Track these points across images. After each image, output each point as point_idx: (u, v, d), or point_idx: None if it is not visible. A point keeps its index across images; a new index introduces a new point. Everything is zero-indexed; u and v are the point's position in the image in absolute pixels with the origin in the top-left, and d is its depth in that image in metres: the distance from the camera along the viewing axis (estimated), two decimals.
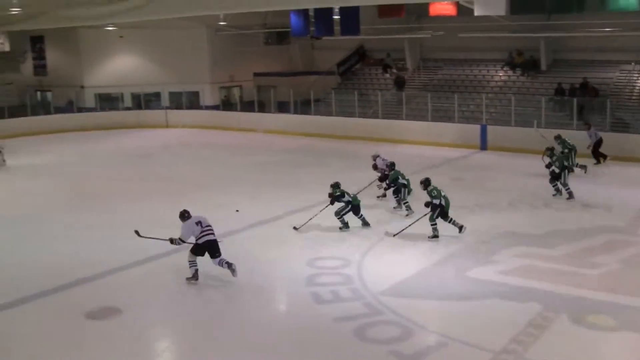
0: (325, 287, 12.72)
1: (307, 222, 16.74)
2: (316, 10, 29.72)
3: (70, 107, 38.28)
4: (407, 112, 31.32)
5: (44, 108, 39.68)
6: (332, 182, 16.85)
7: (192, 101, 38.85)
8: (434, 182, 16.04)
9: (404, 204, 18.16)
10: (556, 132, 23.04)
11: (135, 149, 30.54)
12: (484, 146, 27.47)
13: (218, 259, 13.23)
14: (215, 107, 38.16)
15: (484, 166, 24.48)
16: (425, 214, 15.92)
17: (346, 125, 31.66)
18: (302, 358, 10.25)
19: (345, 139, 30.26)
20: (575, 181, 20.25)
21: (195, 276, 13.28)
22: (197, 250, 13.29)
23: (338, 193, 16.53)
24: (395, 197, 18.59)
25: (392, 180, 18.29)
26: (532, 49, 31.97)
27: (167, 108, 38.37)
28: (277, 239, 16.03)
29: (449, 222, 15.86)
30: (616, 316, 11.16)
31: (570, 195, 19.20)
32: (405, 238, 15.70)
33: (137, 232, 13.83)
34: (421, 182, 16.10)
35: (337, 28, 30.51)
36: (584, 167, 22.50)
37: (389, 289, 12.50)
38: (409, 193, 18.37)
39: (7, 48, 39.64)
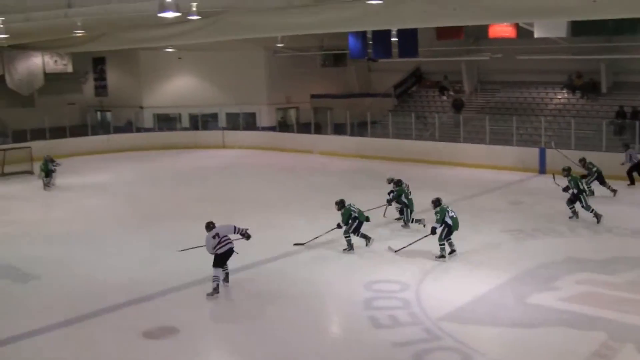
0: (383, 311, 12.60)
1: (312, 240, 17.01)
2: (374, 33, 29.75)
3: (129, 127, 38.86)
4: (464, 135, 31.04)
5: (103, 128, 40.37)
6: (337, 200, 16.99)
7: (248, 122, 39.10)
8: (491, 206, 15.92)
9: (410, 222, 18.48)
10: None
11: (192, 170, 30.80)
12: (542, 170, 27.04)
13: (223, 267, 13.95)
14: (271, 129, 38.35)
15: (543, 190, 24.03)
16: (427, 235, 16.14)
17: (403, 148, 31.49)
18: None
19: (402, 162, 30.06)
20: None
21: (216, 290, 13.66)
22: (218, 262, 13.83)
23: (354, 215, 16.58)
24: (400, 217, 18.88)
25: (396, 197, 18.58)
26: (592, 71, 31.44)
27: (224, 129, 38.70)
28: (334, 261, 15.98)
29: (448, 241, 15.85)
30: None
31: (598, 218, 18.76)
32: (463, 262, 15.52)
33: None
34: (432, 202, 16.15)
35: (394, 50, 30.47)
36: (614, 190, 22.19)
37: (448, 314, 12.32)
38: (411, 213, 18.59)
39: (70, 69, 40.56)
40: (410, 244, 16.43)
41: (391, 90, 38.07)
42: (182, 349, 11.40)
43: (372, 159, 31.49)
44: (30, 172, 28.81)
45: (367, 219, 16.99)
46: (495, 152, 29.00)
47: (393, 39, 30.08)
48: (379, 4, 17.71)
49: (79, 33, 22.95)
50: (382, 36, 29.72)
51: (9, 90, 38.44)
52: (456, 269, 15.10)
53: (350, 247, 16.61)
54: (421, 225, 18.21)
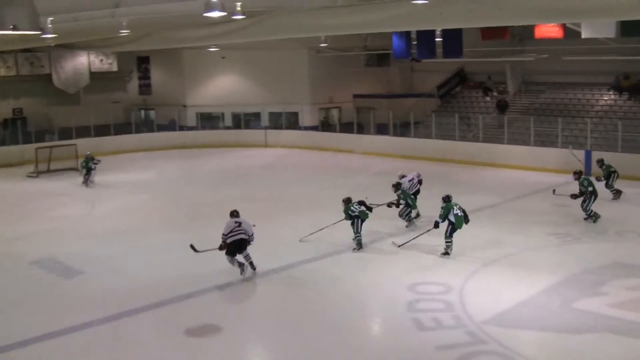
0: (426, 313, 12.50)
1: (315, 232, 17.46)
2: (418, 33, 29.57)
3: (172, 125, 39.15)
4: (508, 136, 30.70)
5: (147, 126, 40.75)
6: (344, 197, 17.13)
7: (291, 122, 39.15)
8: (536, 208, 15.88)
9: (406, 218, 18.76)
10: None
11: (234, 169, 30.92)
12: (588, 172, 26.59)
13: (245, 254, 14.65)
14: (314, 128, 38.33)
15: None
16: (429, 229, 16.45)
17: (446, 149, 31.26)
18: None
19: (445, 163, 29.87)
20: None
21: (242, 269, 14.59)
22: (229, 251, 14.53)
23: (355, 213, 16.67)
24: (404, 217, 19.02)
25: (397, 201, 18.62)
26: None
27: (266, 128, 38.78)
28: (378, 262, 15.93)
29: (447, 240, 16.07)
30: None
31: (589, 218, 19.01)
32: (507, 264, 15.38)
33: (192, 247, 14.86)
34: (442, 198, 16.30)
35: (439, 50, 30.26)
36: (619, 192, 22.22)
37: (492, 317, 12.17)
38: (409, 212, 18.83)
39: (115, 68, 41.07)
40: (413, 238, 16.86)
41: (434, 91, 37.79)
42: (224, 348, 11.44)
43: (414, 159, 31.26)
44: (76, 169, 29.14)
45: (370, 210, 17.18)
46: (539, 154, 28.64)
47: (437, 39, 29.87)
48: (424, 3, 17.56)
49: (124, 33, 23.09)
50: (426, 36, 29.51)
51: (55, 89, 39.04)
52: (500, 272, 14.94)
53: (359, 246, 16.76)
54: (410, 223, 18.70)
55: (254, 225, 14.88)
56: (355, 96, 39.79)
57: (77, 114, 36.33)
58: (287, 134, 37.84)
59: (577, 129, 30.06)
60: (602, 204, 20.38)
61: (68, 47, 36.58)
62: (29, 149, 31.65)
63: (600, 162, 22.62)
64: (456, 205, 16.16)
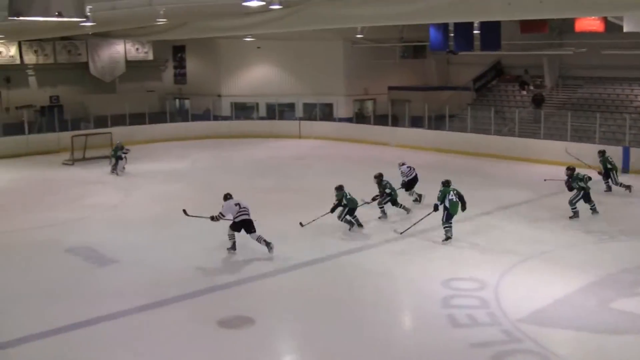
0: (461, 309, 12.36)
1: (317, 219, 17.80)
2: (456, 25, 29.26)
3: (207, 115, 39.24)
4: (544, 131, 30.31)
5: (181, 115, 40.91)
6: (337, 185, 17.86)
7: (325, 113, 39.04)
8: None
9: (380, 207, 19.08)
10: None
11: (267, 159, 30.87)
12: (625, 169, 26.20)
13: (256, 236, 15.64)
14: (348, 120, 38.17)
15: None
16: (430, 213, 16.83)
17: (481, 143, 30.93)
18: None
19: (480, 157, 29.59)
20: None
21: (233, 247, 15.89)
22: (235, 226, 15.75)
23: (345, 201, 17.51)
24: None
25: (382, 192, 19.14)
26: None
27: (300, 119, 38.73)
28: (410, 257, 15.77)
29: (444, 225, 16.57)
30: None
31: (575, 215, 18.84)
32: (543, 262, 15.18)
33: (185, 211, 16.36)
34: (442, 182, 16.91)
35: (476, 43, 29.93)
36: (628, 186, 22.21)
37: (527, 315, 11.98)
38: (388, 201, 19.13)
39: (150, 57, 41.35)
40: (414, 224, 17.31)
41: (470, 84, 37.51)
42: (257, 340, 11.40)
43: (449, 153, 31.06)
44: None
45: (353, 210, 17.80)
46: (576, 149, 28.12)
47: (475, 32, 29.52)
48: None
49: (161, 22, 23.16)
50: (464, 28, 29.14)
51: (92, 77, 39.39)
52: (536, 270, 14.72)
53: (350, 224, 17.71)
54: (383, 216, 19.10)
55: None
56: (390, 88, 39.59)
57: (113, 103, 36.60)
58: (320, 126, 37.71)
59: (615, 124, 29.63)
60: (638, 202, 20.12)
61: (105, 35, 36.83)
62: (65, 136, 31.90)
63: (602, 153, 22.69)
64: (453, 190, 16.61)
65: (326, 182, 19.56)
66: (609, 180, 22.41)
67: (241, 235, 15.91)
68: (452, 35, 30.41)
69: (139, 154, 30.67)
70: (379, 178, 19.26)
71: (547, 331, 11.42)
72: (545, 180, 20.90)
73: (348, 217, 17.72)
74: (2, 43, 34.36)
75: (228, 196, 16.14)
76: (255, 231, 15.70)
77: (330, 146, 34.56)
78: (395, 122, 35.84)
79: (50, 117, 35.24)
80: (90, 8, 15.92)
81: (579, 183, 18.86)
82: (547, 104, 33.58)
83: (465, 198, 16.89)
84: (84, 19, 7.40)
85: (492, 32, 28.40)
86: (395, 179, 20.22)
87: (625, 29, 21.81)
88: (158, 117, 38.34)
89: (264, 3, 14.50)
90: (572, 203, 18.99)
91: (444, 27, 30.26)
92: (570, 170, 19.35)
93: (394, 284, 14.07)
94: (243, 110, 40.42)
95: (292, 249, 16.42)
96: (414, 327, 12.42)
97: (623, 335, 11.28)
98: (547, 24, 29.27)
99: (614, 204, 21.19)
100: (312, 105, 38.87)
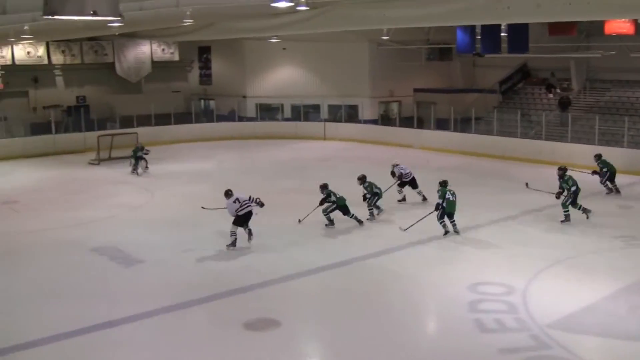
0: (488, 314, 12.23)
1: (308, 215, 18.40)
2: (483, 27, 29.09)
3: (232, 115, 39.30)
4: (572, 135, 30.00)
5: (207, 116, 41.02)
6: (321, 183, 18.59)
7: (350, 115, 38.94)
8: (600, 210, 15.91)
9: (369, 209, 19.18)
10: None
11: (292, 160, 30.84)
12: None
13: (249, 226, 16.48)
14: (373, 122, 38.02)
15: None
16: (431, 212, 17.44)
17: (507, 146, 30.70)
18: None
19: (506, 160, 29.37)
20: None
21: (234, 244, 16.35)
22: (238, 221, 16.40)
23: (326, 196, 18.21)
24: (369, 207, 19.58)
25: (365, 194, 19.34)
26: None
27: (325, 120, 38.65)
28: (436, 260, 15.69)
29: (451, 223, 17.31)
30: None
31: (566, 219, 18.66)
32: (571, 267, 14.99)
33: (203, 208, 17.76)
34: (439, 182, 17.66)
35: (503, 45, 29.73)
36: (617, 191, 22.51)
37: (556, 321, 11.82)
38: (377, 200, 19.42)
39: (176, 57, 41.52)
40: (417, 222, 17.56)
41: (495, 86, 37.24)
42: (282, 342, 11.35)
43: (474, 155, 30.85)
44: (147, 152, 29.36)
45: (345, 208, 18.41)
46: (604, 153, 27.83)
47: (502, 34, 29.34)
48: None
49: (188, 22, 23.19)
50: (491, 30, 28.97)
51: (118, 77, 39.59)
52: (563, 274, 14.55)
53: (330, 222, 18.31)
54: (371, 217, 19.20)
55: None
56: (416, 90, 39.38)
57: (139, 103, 36.79)
58: (346, 127, 37.61)
59: None
60: None
61: (131, 36, 37.01)
62: (91, 136, 32.10)
63: (598, 157, 22.77)
64: (450, 190, 17.26)
65: (351, 184, 19.58)
66: (604, 182, 22.54)
67: (264, 240, 15.91)
68: (479, 37, 30.25)
69: (164, 155, 30.82)
70: (362, 179, 19.52)
71: (577, 338, 11.28)
72: (527, 186, 20.64)
73: (332, 215, 18.37)
74: (30, 43, 34.59)
75: (229, 192, 16.77)
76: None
77: (355, 148, 34.45)
78: (421, 124, 35.64)
79: (77, 117, 35.51)
80: None
81: (572, 187, 18.75)
82: (574, 107, 33.25)
83: (492, 201, 16.85)
84: (118, 18, 7.34)
85: (519, 34, 28.21)
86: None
87: None
88: (183, 117, 38.44)
89: (292, 4, 14.43)
90: (564, 205, 18.80)
91: (471, 29, 30.11)
92: (562, 170, 19.32)
93: (419, 287, 13.97)
94: (268, 112, 40.43)
95: (315, 250, 16.42)
96: (440, 331, 12.28)
97: None
98: (575, 26, 29.02)
99: None
100: (337, 106, 38.74)
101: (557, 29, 29.39)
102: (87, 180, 26.42)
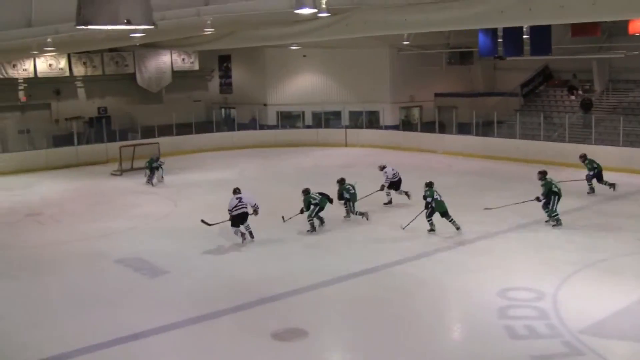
0: (519, 320, 12.06)
1: (297, 214, 18.91)
2: (505, 30, 28.89)
3: (253, 124, 39.31)
4: (596, 136, 29.70)
5: (228, 125, 41.06)
6: (303, 188, 19.09)
7: (371, 121, 38.81)
8: (626, 212, 15.88)
9: (355, 213, 19.72)
10: None
11: (314, 168, 30.75)
12: None
13: (246, 225, 17.46)
14: (394, 127, 37.91)
15: None
16: (422, 211, 18.10)
17: (530, 149, 30.46)
18: None
19: (529, 163, 29.06)
20: None
21: (243, 237, 17.50)
22: (234, 222, 17.33)
23: (315, 201, 18.59)
24: (345, 207, 20.15)
25: (340, 194, 19.87)
26: None
27: (346, 127, 38.55)
28: (464, 266, 15.50)
29: (450, 221, 17.94)
30: None
31: (557, 223, 18.44)
32: (601, 270, 14.82)
33: (203, 222, 18.24)
34: (425, 184, 18.39)
35: (526, 48, 29.51)
36: (612, 185, 22.62)
37: (588, 327, 11.63)
38: (353, 204, 19.89)
39: (196, 67, 41.56)
40: (414, 219, 18.16)
41: (517, 89, 37.02)
42: (312, 352, 11.25)
43: (498, 159, 30.64)
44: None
45: (331, 201, 19.17)
46: (628, 155, 27.62)
47: (524, 36, 29.12)
48: None
49: (208, 31, 23.19)
50: (513, 33, 28.77)
51: (139, 88, 39.69)
52: (593, 279, 14.37)
53: (312, 229, 18.64)
54: (364, 218, 19.70)
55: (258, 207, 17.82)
56: (437, 95, 39.26)
57: (160, 113, 37.02)
58: (367, 133, 37.51)
59: None
60: None
61: (151, 46, 37.08)
62: (113, 147, 32.25)
63: (583, 157, 23.09)
64: (436, 191, 18.08)
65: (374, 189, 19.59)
66: (600, 181, 22.64)
67: (288, 247, 15.82)
68: (501, 40, 30.05)
69: (186, 164, 30.92)
70: (340, 183, 20.08)
71: (610, 344, 11.10)
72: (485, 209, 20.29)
73: (316, 219, 18.83)
74: (52, 56, 34.76)
75: (237, 190, 18.06)
76: (246, 221, 17.58)
77: (377, 154, 34.17)
78: (442, 129, 35.49)
79: (99, 128, 35.62)
80: None
81: (553, 189, 18.57)
82: (597, 108, 32.98)
83: (517, 206, 17.17)
84: (152, 26, 7.27)
85: (542, 36, 28.00)
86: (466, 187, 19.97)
87: None
88: (204, 126, 38.55)
89: (316, 10, 14.32)
90: (551, 210, 18.62)
91: (492, 32, 29.93)
92: (541, 173, 19.19)
93: (447, 294, 13.82)
94: (289, 119, 40.44)
95: (342, 258, 16.32)
96: (471, 338, 12.03)
97: None
98: (599, 26, 28.77)
99: None
100: (358, 113, 38.63)
101: (580, 29, 29.12)
102: (110, 191, 26.49)
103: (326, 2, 16.09)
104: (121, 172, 29.84)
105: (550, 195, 18.49)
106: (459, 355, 11.13)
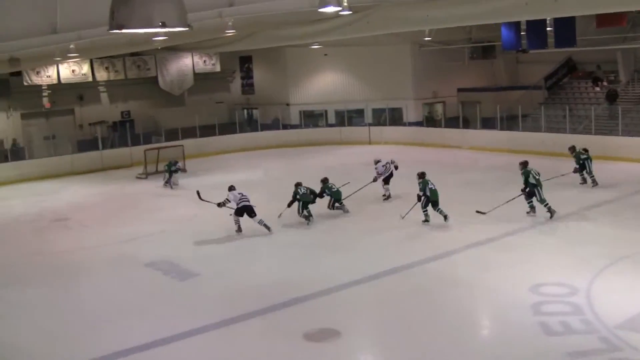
0: (553, 316, 11.89)
1: (284, 210, 19.83)
2: (528, 22, 28.63)
3: (276, 124, 39.30)
4: (622, 127, 29.36)
5: (251, 125, 41.09)
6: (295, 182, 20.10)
7: (395, 118, 38.65)
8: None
9: (331, 207, 20.71)
10: None
11: (339, 166, 30.57)
12: None
13: (257, 219, 18.47)
14: (418, 124, 37.73)
15: None
16: (416, 203, 18.65)
17: (556, 142, 30.07)
18: None
19: (555, 156, 28.74)
20: None
21: (239, 229, 18.75)
22: (238, 212, 18.53)
23: (298, 196, 19.64)
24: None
25: (321, 192, 20.55)
26: None
27: (369, 125, 38.41)
28: (495, 262, 15.33)
29: (437, 211, 18.37)
30: None
31: (551, 213, 18.39)
32: (635, 264, 14.58)
33: (198, 193, 20.13)
34: (417, 174, 18.88)
35: (550, 40, 29.22)
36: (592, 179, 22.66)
37: (625, 322, 11.44)
38: (334, 201, 20.76)
39: (218, 68, 41.58)
40: (411, 208, 18.76)
41: (541, 82, 36.70)
42: (343, 354, 11.16)
43: (524, 153, 30.13)
44: (184, 170, 29.51)
45: (313, 201, 20.03)
46: None
47: (548, 29, 28.83)
48: None
49: (230, 33, 23.16)
50: (537, 26, 28.48)
51: (161, 91, 39.77)
52: (628, 272, 14.16)
53: (308, 220, 19.61)
54: (345, 210, 20.65)
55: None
56: (460, 90, 39.02)
57: (182, 115, 37.04)
58: (390, 131, 37.30)
59: None
60: None
61: (173, 49, 37.15)
62: (137, 151, 32.34)
63: (572, 149, 23.08)
64: (429, 181, 18.47)
65: (404, 187, 19.48)
66: (584, 172, 22.57)
67: (316, 247, 15.72)
68: (524, 33, 29.78)
69: (210, 166, 30.97)
70: (323, 182, 20.65)
71: None
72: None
73: (305, 212, 19.66)
74: (75, 62, 34.92)
75: (232, 187, 19.15)
76: (255, 215, 18.50)
77: (401, 151, 33.99)
78: (467, 124, 35.27)
79: (122, 132, 35.78)
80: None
81: (531, 180, 18.58)
82: (622, 99, 32.62)
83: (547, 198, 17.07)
84: (188, 28, 7.21)
85: (566, 28, 27.70)
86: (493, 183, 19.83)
87: None
88: (227, 128, 38.59)
89: (340, 8, 14.22)
90: (542, 202, 18.58)
91: (516, 25, 29.68)
92: (522, 164, 19.20)
93: (479, 291, 13.65)
94: (311, 118, 40.38)
95: (370, 256, 16.23)
96: (506, 335, 11.79)
97: None
98: (625, 16, 28.40)
99: None
100: (381, 110, 38.50)
101: (605, 20, 28.75)
102: (136, 194, 26.56)
103: (348, 0, 16.02)
104: (146, 175, 29.92)
105: (528, 184, 18.55)
106: (496, 353, 10.96)
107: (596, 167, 23.56)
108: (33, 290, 15.36)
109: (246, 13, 17.79)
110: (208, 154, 34.98)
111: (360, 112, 39.24)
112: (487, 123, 34.07)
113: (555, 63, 36.85)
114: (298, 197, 19.62)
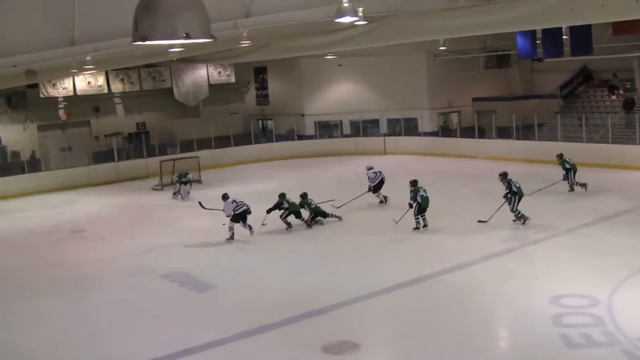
0: (574, 328, 11.76)
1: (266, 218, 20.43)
2: (544, 31, 28.50)
3: (291, 135, 39.30)
4: (639, 136, 29.10)
5: (266, 136, 41.11)
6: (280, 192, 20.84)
7: (410, 127, 38.55)
8: None
9: (306, 220, 20.69)
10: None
11: (354, 177, 30.44)
12: None
13: (247, 223, 19.35)
14: (433, 134, 37.63)
15: None
16: (408, 210, 19.11)
17: (573, 151, 29.76)
18: None
19: None
20: None
21: (232, 237, 19.22)
22: (235, 218, 19.16)
23: (280, 202, 20.47)
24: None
25: (301, 206, 20.81)
26: None
27: (384, 135, 38.34)
28: (513, 273, 15.23)
29: (422, 217, 18.93)
30: None
31: (523, 221, 18.78)
32: None
33: (200, 204, 21.36)
34: (409, 182, 19.35)
35: (565, 49, 29.07)
36: (584, 185, 22.84)
37: None
38: (312, 215, 20.87)
39: (232, 79, 41.68)
40: (404, 214, 19.14)
41: (556, 91, 36.52)
42: None
43: (540, 163, 30.15)
44: (199, 181, 29.54)
45: (298, 213, 20.53)
46: None
47: (564, 37, 28.69)
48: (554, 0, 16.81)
49: (245, 44, 23.19)
50: (553, 34, 28.33)
51: (176, 102, 39.89)
52: None
53: (288, 225, 20.37)
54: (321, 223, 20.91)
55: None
56: (475, 99, 38.91)
57: (197, 126, 37.08)
58: (406, 141, 37.19)
59: None
60: None
61: (188, 60, 37.27)
62: (153, 162, 32.44)
63: (560, 156, 23.34)
64: (421, 187, 19.01)
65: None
66: (568, 180, 22.76)
67: (334, 259, 15.64)
68: (539, 42, 29.65)
69: (225, 177, 30.94)
70: (302, 197, 20.89)
71: None
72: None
73: (288, 219, 20.38)
74: (91, 73, 35.07)
75: (226, 196, 19.60)
76: (246, 220, 19.38)
77: (416, 161, 33.97)
78: (482, 134, 35.16)
79: (138, 143, 35.89)
80: None
81: (512, 189, 18.87)
82: (638, 107, 32.38)
83: (564, 209, 17.49)
84: (211, 39, 7.21)
85: (582, 36, 27.52)
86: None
87: None
88: (242, 139, 38.60)
89: (356, 18, 14.22)
90: (513, 210, 18.88)
91: (531, 34, 29.54)
92: (502, 176, 19.51)
93: (498, 302, 13.56)
94: (326, 129, 40.35)
95: (387, 268, 16.14)
96: (526, 347, 11.64)
97: None
98: None
99: None
100: (396, 120, 38.42)
101: (621, 28, 28.50)
102: (152, 206, 26.59)
103: (363, 11, 16.02)
104: (162, 186, 29.94)
105: (511, 192, 18.85)
106: None
107: (613, 176, 23.42)
108: (50, 301, 15.41)
109: (262, 24, 17.83)
110: (223, 165, 35.00)
111: (375, 123, 39.18)
112: (503, 132, 33.93)
113: (570, 71, 36.66)
114: (287, 206, 20.35)
